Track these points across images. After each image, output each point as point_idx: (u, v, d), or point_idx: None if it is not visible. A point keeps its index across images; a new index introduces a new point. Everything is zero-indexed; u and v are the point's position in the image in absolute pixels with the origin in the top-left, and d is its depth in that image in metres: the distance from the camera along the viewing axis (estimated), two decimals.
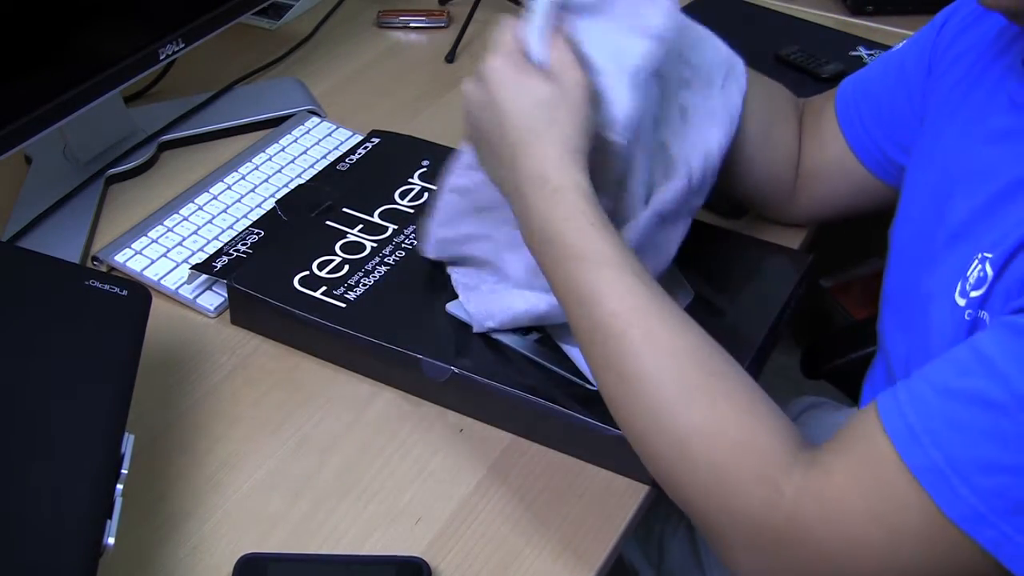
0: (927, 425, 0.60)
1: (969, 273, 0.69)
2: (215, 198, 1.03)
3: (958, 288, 0.70)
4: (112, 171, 1.08)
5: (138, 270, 0.95)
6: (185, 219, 1.00)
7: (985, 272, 0.68)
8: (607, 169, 0.80)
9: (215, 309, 0.93)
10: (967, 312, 0.69)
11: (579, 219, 0.72)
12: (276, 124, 1.16)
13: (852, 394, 1.19)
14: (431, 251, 0.90)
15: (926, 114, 0.85)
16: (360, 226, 0.95)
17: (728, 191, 1.00)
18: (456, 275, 0.89)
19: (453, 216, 0.87)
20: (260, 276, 0.90)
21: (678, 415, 0.67)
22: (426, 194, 0.99)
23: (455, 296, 0.88)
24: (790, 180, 0.98)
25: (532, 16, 0.76)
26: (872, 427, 0.62)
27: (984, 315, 0.67)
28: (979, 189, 0.72)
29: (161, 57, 1.05)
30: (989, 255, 0.68)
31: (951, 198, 0.75)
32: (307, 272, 0.90)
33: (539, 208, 0.73)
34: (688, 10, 1.34)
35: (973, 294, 0.69)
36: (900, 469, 0.60)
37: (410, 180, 1.01)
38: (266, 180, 1.06)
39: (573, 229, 0.72)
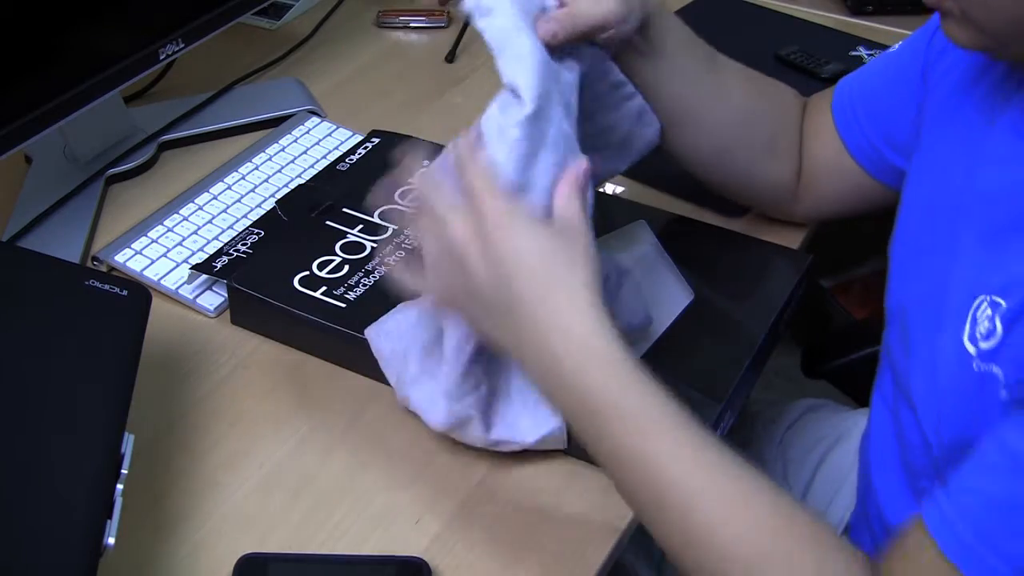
0: (981, 534, 0.59)
1: (978, 315, 0.68)
2: (215, 198, 1.03)
3: (966, 331, 0.69)
4: (112, 171, 1.08)
5: (138, 270, 0.95)
6: (185, 219, 1.00)
7: (995, 325, 0.67)
8: None
9: (215, 309, 0.93)
10: (976, 363, 0.68)
11: (623, 374, 0.67)
12: (276, 124, 1.16)
13: (852, 394, 1.20)
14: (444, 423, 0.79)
15: (922, 125, 0.85)
16: (360, 226, 0.95)
17: (732, 200, 1.00)
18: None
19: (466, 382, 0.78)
20: (260, 276, 0.90)
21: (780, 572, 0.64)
22: None
23: None
24: (793, 181, 0.98)
25: (501, 143, 0.70)
26: (927, 550, 0.61)
27: (997, 371, 0.66)
28: (982, 215, 0.71)
29: (161, 57, 1.05)
30: (1000, 301, 0.67)
31: (952, 222, 0.74)
32: (307, 272, 0.90)
33: (576, 366, 0.67)
34: (688, 10, 1.36)
35: (983, 345, 0.67)
36: None
37: (410, 180, 1.01)
38: (266, 180, 1.06)
39: (618, 386, 0.66)
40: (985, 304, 0.68)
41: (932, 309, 0.74)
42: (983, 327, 0.68)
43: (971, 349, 0.69)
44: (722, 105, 0.92)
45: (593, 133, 0.87)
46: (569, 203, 0.71)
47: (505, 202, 0.70)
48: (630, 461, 0.67)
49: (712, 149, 0.94)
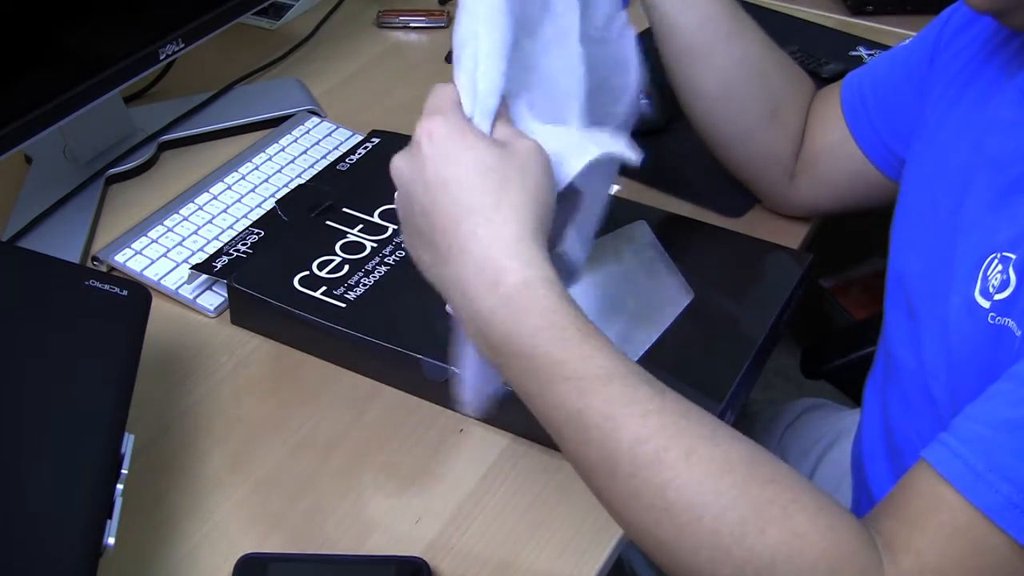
0: (990, 461, 0.57)
1: (990, 273, 0.69)
2: (215, 198, 1.03)
3: (978, 286, 0.70)
4: (112, 171, 1.08)
5: (138, 270, 0.95)
6: (185, 219, 1.00)
7: (1008, 276, 0.67)
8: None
9: (215, 309, 0.93)
10: (991, 315, 0.68)
11: (559, 325, 0.59)
12: (276, 124, 1.15)
13: (852, 394, 1.20)
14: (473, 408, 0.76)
15: (926, 105, 0.86)
16: (360, 226, 0.95)
17: (728, 168, 1.01)
18: None
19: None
20: (260, 276, 0.90)
21: (754, 540, 0.57)
22: None
23: None
24: (790, 159, 0.98)
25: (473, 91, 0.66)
26: (933, 486, 0.59)
27: (1011, 324, 0.66)
28: (989, 179, 0.72)
29: (161, 57, 1.05)
30: (1011, 256, 0.67)
31: (958, 190, 0.75)
32: (307, 272, 0.90)
33: (499, 314, 0.59)
34: None
35: (997, 297, 0.68)
36: (978, 519, 0.57)
37: None
38: (266, 180, 1.06)
39: (554, 340, 0.59)
40: (996, 261, 0.69)
41: (939, 275, 0.74)
42: (996, 281, 0.68)
43: (984, 303, 0.69)
44: (735, 48, 0.93)
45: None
46: (504, 126, 0.65)
47: (448, 119, 0.64)
48: (580, 420, 0.59)
49: (716, 91, 0.94)
